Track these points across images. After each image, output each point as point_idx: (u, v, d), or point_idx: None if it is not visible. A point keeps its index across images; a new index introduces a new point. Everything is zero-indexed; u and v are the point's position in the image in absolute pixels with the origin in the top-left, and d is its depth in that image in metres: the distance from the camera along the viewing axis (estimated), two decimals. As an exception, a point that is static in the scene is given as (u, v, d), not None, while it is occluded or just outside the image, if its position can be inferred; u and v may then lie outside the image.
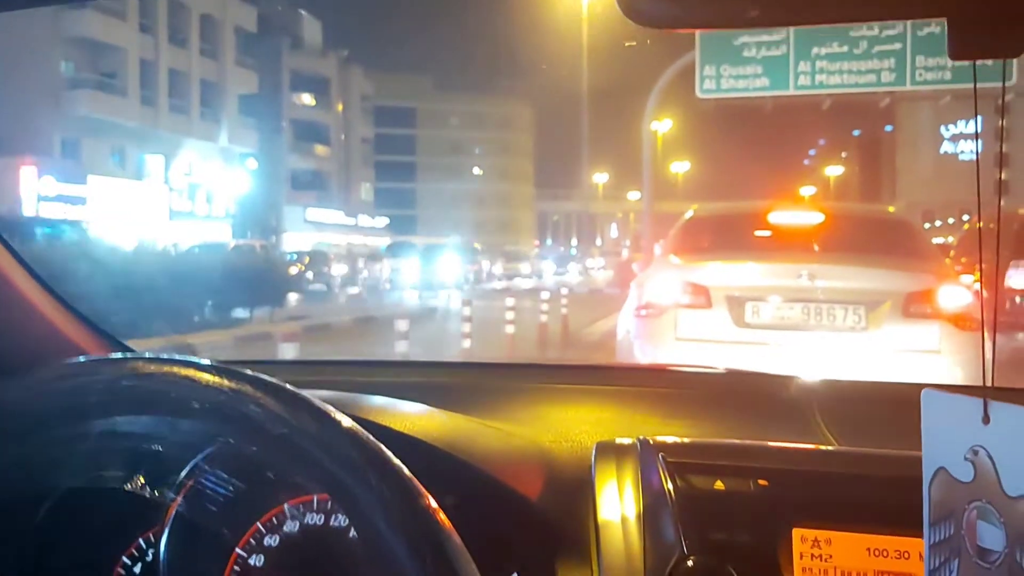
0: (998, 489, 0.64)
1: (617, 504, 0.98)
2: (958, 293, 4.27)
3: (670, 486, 0.97)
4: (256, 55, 44.64)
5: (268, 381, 0.73)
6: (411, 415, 1.12)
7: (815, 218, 4.91)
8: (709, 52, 20.54)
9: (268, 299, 16.78)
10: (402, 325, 6.56)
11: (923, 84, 19.52)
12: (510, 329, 9.25)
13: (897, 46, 19.24)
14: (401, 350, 6.43)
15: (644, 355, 4.50)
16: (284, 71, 52.36)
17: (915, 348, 4.14)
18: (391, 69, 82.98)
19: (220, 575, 0.88)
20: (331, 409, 0.73)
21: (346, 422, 0.72)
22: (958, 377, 4.05)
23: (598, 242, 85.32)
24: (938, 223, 57.21)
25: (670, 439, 1.07)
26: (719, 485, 0.97)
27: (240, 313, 15.61)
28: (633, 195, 65.14)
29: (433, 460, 0.97)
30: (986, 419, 0.65)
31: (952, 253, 12.23)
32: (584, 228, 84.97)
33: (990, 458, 0.64)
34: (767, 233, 4.90)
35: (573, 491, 1.04)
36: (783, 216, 4.96)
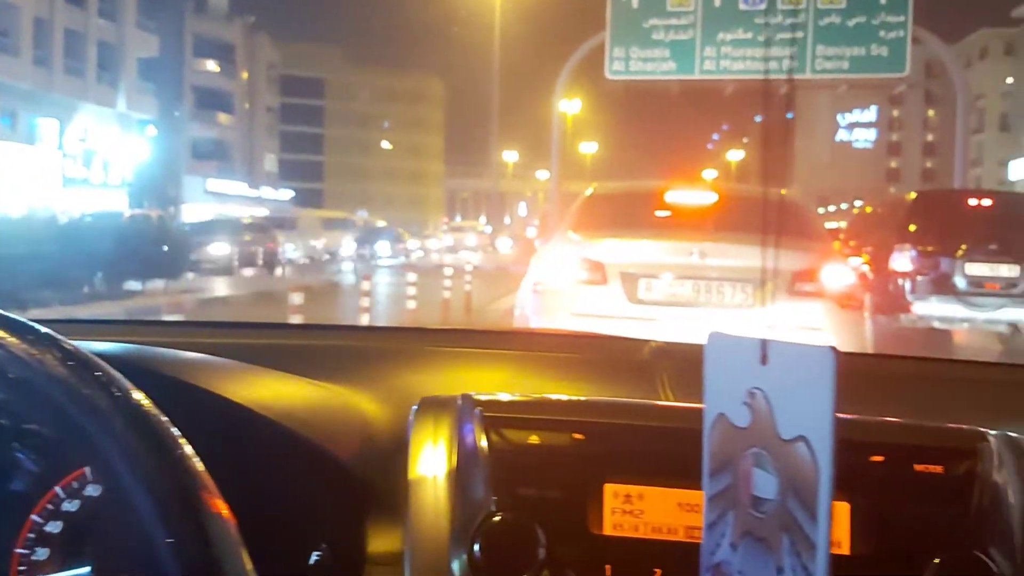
0: (773, 433, 0.61)
1: (430, 462, 0.95)
2: (841, 273, 4.44)
3: (484, 442, 0.95)
4: (157, 17, 42.97)
5: (14, 320, 0.67)
6: (217, 372, 1.06)
7: (709, 198, 5.06)
8: (619, 34, 20.80)
9: (164, 271, 16.26)
10: (296, 299, 6.41)
11: (822, 73, 20.20)
12: (411, 304, 9.21)
13: (799, 34, 19.82)
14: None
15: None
16: (187, 35, 50.60)
17: (799, 325, 4.27)
18: (300, 38, 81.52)
19: (13, 543, 0.79)
20: (83, 352, 0.66)
21: (98, 366, 0.65)
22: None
23: (507, 220, 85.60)
24: (832, 208, 59.34)
25: (493, 396, 1.03)
26: (534, 439, 0.94)
27: (133, 285, 15.09)
28: (542, 174, 65.47)
29: (229, 417, 0.92)
30: (764, 359, 0.62)
31: (842, 236, 12.69)
32: (493, 206, 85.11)
33: (767, 400, 0.62)
34: (663, 212, 5.03)
35: (392, 451, 1.01)
36: (679, 196, 5.07)
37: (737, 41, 20.23)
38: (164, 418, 0.65)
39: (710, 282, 4.36)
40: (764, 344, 0.62)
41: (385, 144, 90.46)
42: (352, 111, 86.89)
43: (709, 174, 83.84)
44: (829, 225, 18.62)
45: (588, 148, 67.12)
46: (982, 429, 0.89)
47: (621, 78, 21.25)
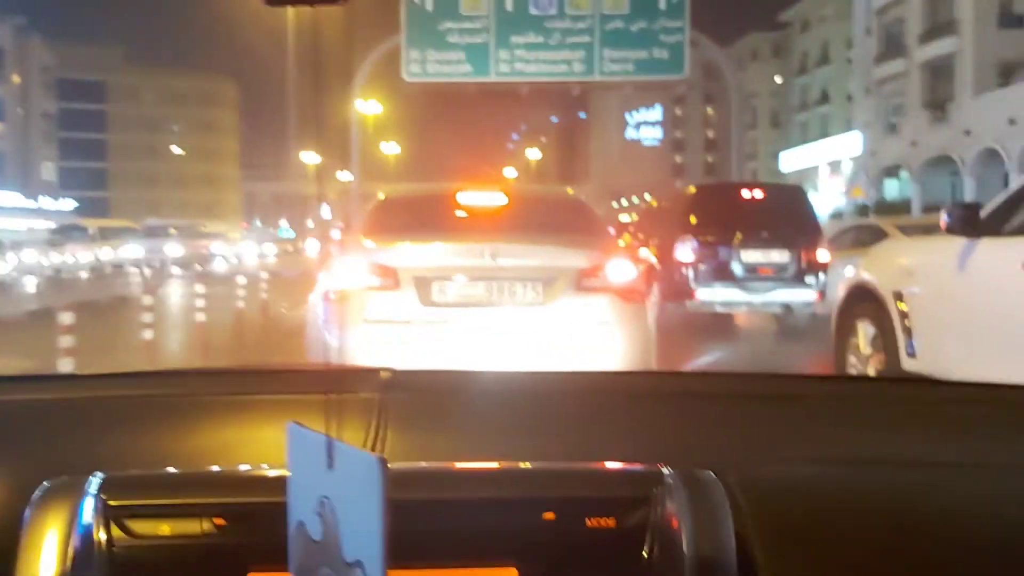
0: (338, 553, 0.55)
1: (41, 564, 0.79)
2: (625, 268, 4.65)
3: (104, 536, 0.80)
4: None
5: None
6: None
7: (499, 199, 5.16)
8: (414, 37, 20.87)
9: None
10: (67, 318, 5.85)
11: (609, 75, 21.13)
12: (201, 317, 8.79)
13: (587, 39, 20.64)
14: (65, 344, 5.73)
15: (333, 338, 4.51)
16: (-56, 36, 46.15)
17: (588, 320, 4.47)
18: (76, 39, 75.88)
19: None
20: None
21: None
22: (624, 345, 4.48)
23: (309, 224, 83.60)
24: (624, 202, 62.02)
25: (127, 475, 0.88)
26: (165, 529, 0.80)
27: None
28: (344, 176, 64.50)
29: None
30: (331, 462, 0.55)
31: (631, 229, 13.31)
32: (295, 210, 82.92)
33: (334, 513, 0.55)
34: (453, 214, 5.07)
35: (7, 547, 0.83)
36: (469, 198, 5.15)
37: (530, 45, 20.80)
38: None
39: (502, 282, 4.43)
40: (330, 445, 0.56)
41: (176, 149, 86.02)
42: (137, 115, 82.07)
43: (510, 172, 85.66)
44: (622, 219, 19.51)
45: (390, 149, 66.75)
46: (659, 469, 0.83)
47: (418, 80, 21.34)
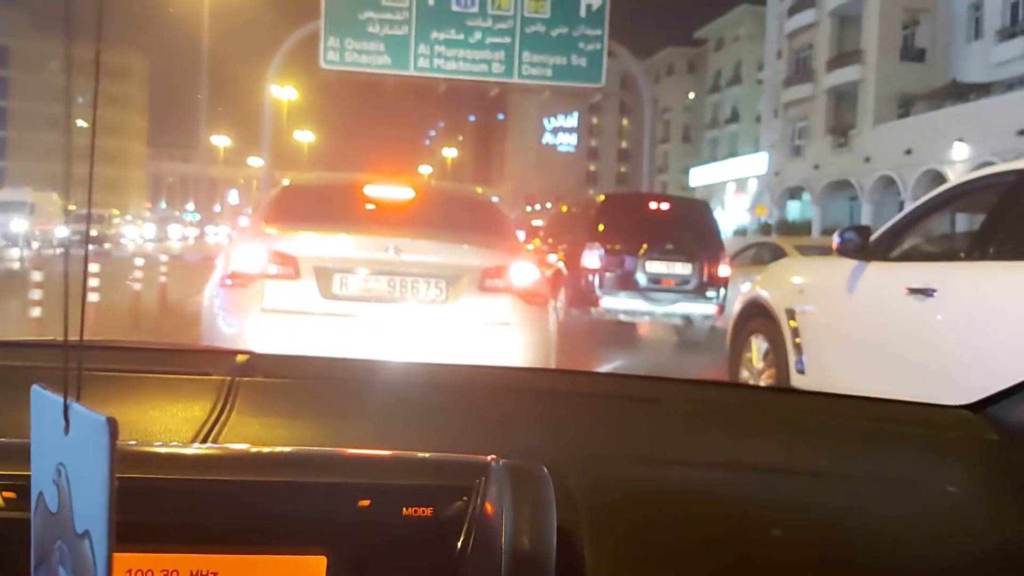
0: (71, 524, 0.51)
1: None
2: (528, 270, 4.65)
3: None
4: None
5: None
6: None
7: (406, 194, 5.07)
8: (334, 23, 20.59)
9: None
10: None
11: (528, 78, 21.24)
12: (95, 297, 8.49)
13: (507, 40, 20.71)
14: None
15: (229, 327, 4.35)
16: None
17: (489, 320, 4.45)
18: (-24, -1, 72.22)
19: None
20: None
21: None
22: (524, 346, 4.49)
23: (217, 208, 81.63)
24: (538, 207, 62.48)
25: None
26: None
27: None
28: (256, 161, 63.13)
29: None
30: (67, 428, 0.52)
31: (541, 234, 13.39)
32: (203, 193, 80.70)
33: (68, 481, 0.52)
34: (360, 206, 4.97)
35: None
36: (376, 190, 5.05)
37: (450, 41, 20.75)
38: None
39: (405, 278, 4.37)
40: (66, 408, 0.52)
41: (80, 122, 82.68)
42: (41, 83, 78.60)
43: (425, 169, 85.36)
44: (535, 223, 19.61)
45: (305, 137, 65.69)
46: (485, 460, 0.82)
47: (335, 68, 21.06)
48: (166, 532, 0.73)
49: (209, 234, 48.23)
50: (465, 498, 0.78)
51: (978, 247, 4.10)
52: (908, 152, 31.28)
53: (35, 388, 0.54)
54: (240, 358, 1.20)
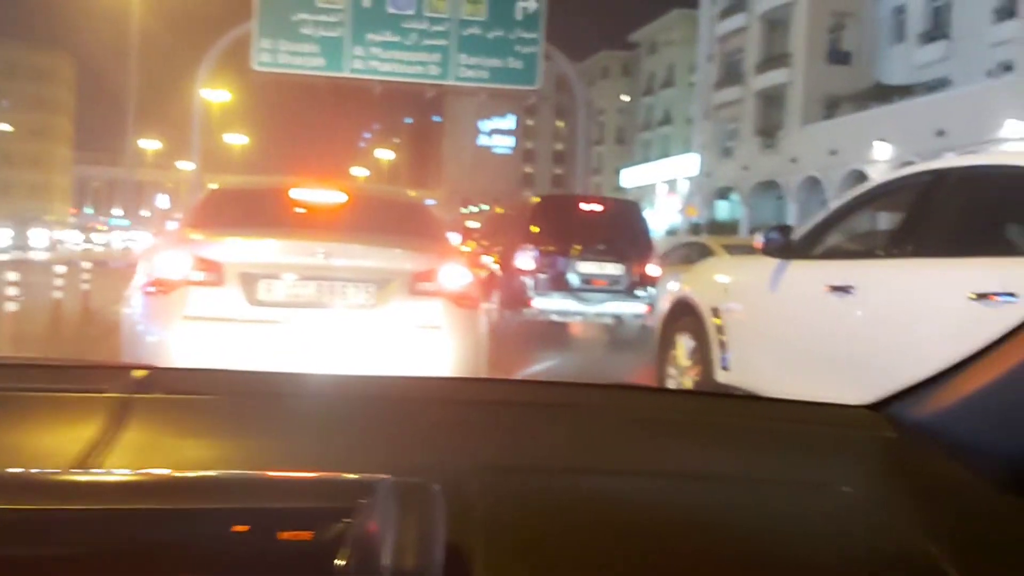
0: None
1: None
2: (460, 273, 4.62)
3: None
4: None
5: None
6: None
7: (336, 197, 5.01)
8: (267, 25, 20.31)
9: None
10: None
11: (464, 81, 21.23)
12: (11, 307, 8.20)
13: (443, 42, 20.67)
14: None
15: (150, 335, 4.23)
16: None
17: (419, 324, 4.42)
18: None
19: None
20: None
21: None
22: (455, 350, 4.48)
23: (146, 213, 79.84)
24: (474, 209, 62.46)
25: None
26: None
27: None
28: (186, 165, 62.06)
29: None
30: None
31: (476, 236, 13.40)
32: (130, 197, 78.91)
33: None
34: (288, 210, 4.88)
35: None
36: (305, 194, 4.97)
37: (386, 43, 20.62)
38: None
39: (334, 283, 4.31)
40: None
41: (4, 125, 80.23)
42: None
43: (361, 172, 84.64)
44: (471, 225, 19.61)
45: (237, 140, 64.68)
46: (369, 479, 0.79)
47: (268, 70, 20.77)
48: (29, 567, 0.69)
49: (136, 240, 47.06)
50: (347, 519, 0.74)
51: (896, 245, 4.22)
52: (833, 153, 32.08)
53: None
54: (138, 374, 1.15)
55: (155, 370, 1.17)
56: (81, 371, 1.26)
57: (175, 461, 0.98)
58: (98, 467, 0.95)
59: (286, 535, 0.73)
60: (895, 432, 1.18)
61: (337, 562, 0.70)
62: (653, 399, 1.52)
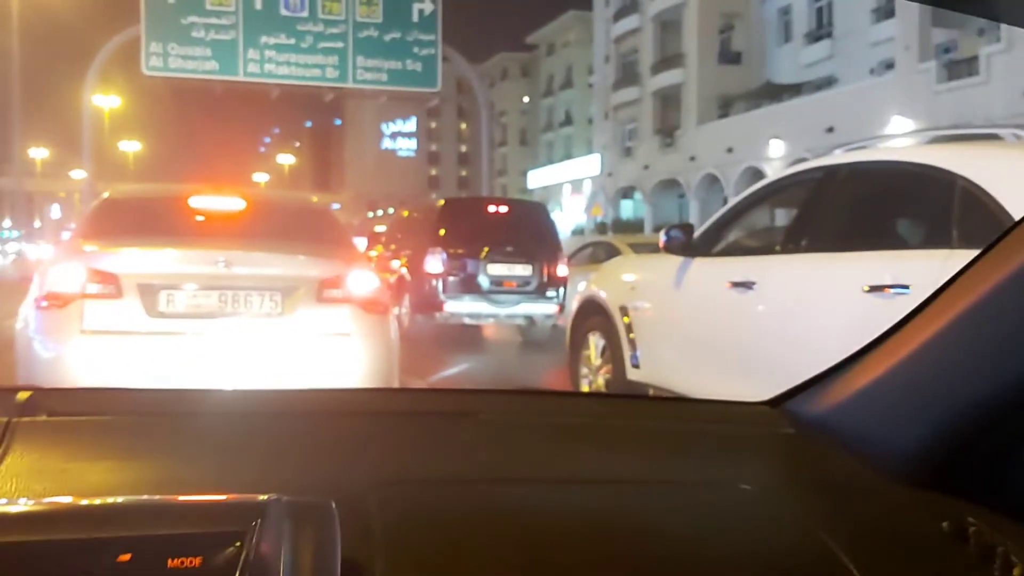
0: None
1: None
2: (367, 279, 4.59)
3: None
4: None
5: None
6: None
7: (236, 204, 4.92)
8: (155, 28, 19.71)
9: None
10: None
11: (363, 83, 21.04)
12: None
13: (340, 44, 20.43)
14: None
15: (46, 350, 4.07)
16: None
17: (328, 331, 4.36)
18: None
19: None
20: None
21: None
22: (365, 356, 4.44)
23: (37, 224, 76.44)
24: (380, 212, 61.90)
25: None
26: None
27: None
28: (78, 174, 59.61)
29: None
30: None
31: (383, 240, 13.30)
32: (20, 208, 75.39)
33: None
34: (186, 218, 4.78)
35: None
36: (204, 202, 4.88)
37: (281, 46, 20.26)
38: None
39: (237, 291, 4.23)
40: None
41: None
42: None
43: (261, 177, 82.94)
44: (378, 229, 19.44)
45: (130, 147, 62.59)
46: (261, 499, 0.77)
47: (159, 75, 20.17)
48: None
49: (27, 252, 45.08)
50: (238, 543, 0.72)
51: (792, 240, 4.36)
52: (730, 151, 33.00)
53: None
54: (21, 396, 1.08)
55: (39, 391, 1.10)
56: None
57: (62, 488, 0.93)
58: None
59: (175, 562, 0.70)
60: (793, 428, 1.19)
61: None
62: (559, 403, 1.51)
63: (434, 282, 10.14)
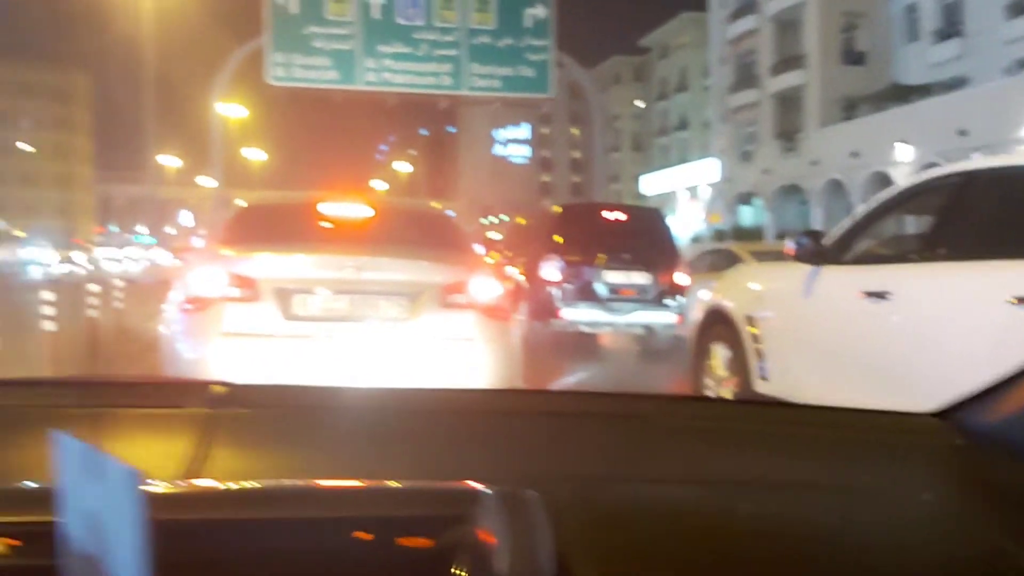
0: (106, 573, 0.52)
1: None
2: (489, 285, 4.63)
3: None
4: None
5: None
6: None
7: (363, 211, 5.06)
8: (279, 40, 20.46)
9: None
10: None
11: (477, 91, 21.31)
12: (50, 326, 8.31)
13: (454, 52, 20.76)
14: None
15: (189, 351, 4.29)
16: None
17: (453, 336, 4.42)
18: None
19: None
20: None
21: None
22: (489, 361, 4.48)
23: (170, 230, 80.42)
24: (494, 219, 62.48)
25: None
26: None
27: None
28: (206, 181, 62.39)
29: None
30: (93, 475, 0.52)
31: (499, 247, 13.40)
32: (154, 215, 79.45)
33: (101, 530, 0.53)
34: (317, 225, 4.94)
35: None
36: (333, 208, 5.02)
37: (397, 55, 20.73)
38: None
39: (367, 296, 4.34)
40: (89, 456, 0.52)
41: (24, 145, 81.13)
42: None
43: (379, 184, 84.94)
44: (491, 236, 19.65)
45: (256, 155, 65.10)
46: (476, 488, 0.81)
47: (283, 85, 20.92)
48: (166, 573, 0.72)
49: (159, 258, 47.48)
50: (459, 527, 0.77)
51: (929, 248, 4.18)
52: (855, 155, 31.88)
53: (56, 434, 0.54)
54: (217, 389, 1.20)
55: (231, 386, 1.21)
56: (166, 387, 1.34)
57: (262, 472, 1.01)
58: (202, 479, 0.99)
59: (405, 542, 0.76)
60: (963, 439, 1.20)
61: (454, 570, 0.73)
62: (722, 409, 1.55)
63: (550, 289, 10.12)
